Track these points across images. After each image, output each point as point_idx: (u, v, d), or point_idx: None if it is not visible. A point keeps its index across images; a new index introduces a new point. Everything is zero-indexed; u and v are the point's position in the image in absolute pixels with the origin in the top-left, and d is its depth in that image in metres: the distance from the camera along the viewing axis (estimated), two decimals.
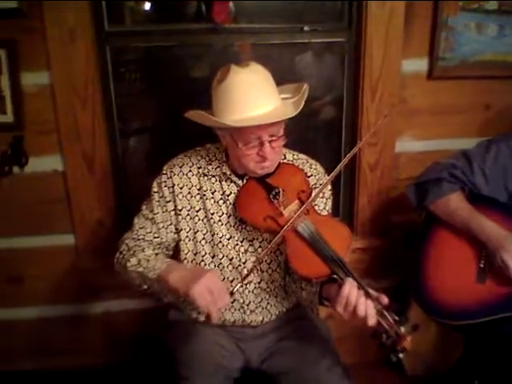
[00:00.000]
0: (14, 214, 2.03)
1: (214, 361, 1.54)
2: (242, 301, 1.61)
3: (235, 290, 1.42)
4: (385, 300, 1.32)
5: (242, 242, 1.58)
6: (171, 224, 1.60)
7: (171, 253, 1.66)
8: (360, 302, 1.29)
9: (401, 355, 1.30)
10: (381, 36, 2.00)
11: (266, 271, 1.60)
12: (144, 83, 2.09)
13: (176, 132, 2.06)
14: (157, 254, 1.55)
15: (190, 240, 1.60)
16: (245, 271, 1.56)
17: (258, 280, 1.60)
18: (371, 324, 1.29)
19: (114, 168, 2.09)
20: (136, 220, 1.63)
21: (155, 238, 1.60)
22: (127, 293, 2.12)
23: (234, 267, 1.59)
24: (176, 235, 1.61)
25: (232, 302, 1.60)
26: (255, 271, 1.58)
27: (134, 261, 1.50)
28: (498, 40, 2.06)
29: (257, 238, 1.57)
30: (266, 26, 2.03)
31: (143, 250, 1.54)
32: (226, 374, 1.54)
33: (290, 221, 1.42)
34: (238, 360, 1.64)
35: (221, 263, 1.59)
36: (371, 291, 1.33)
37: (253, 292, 1.61)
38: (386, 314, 1.30)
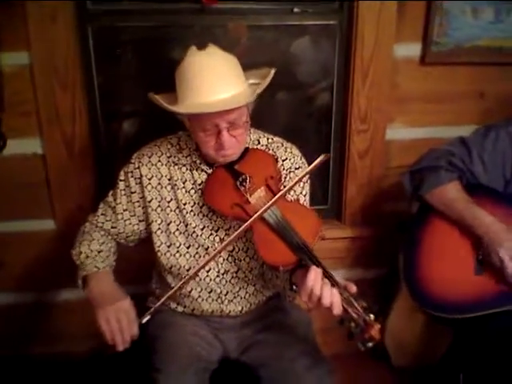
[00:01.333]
0: None
1: (190, 352, 1.52)
2: (219, 291, 1.57)
3: (144, 321, 1.41)
4: (353, 288, 1.28)
5: (216, 231, 1.54)
6: (134, 215, 1.58)
7: (132, 244, 1.66)
8: (325, 292, 1.24)
9: (370, 344, 1.24)
10: (373, 18, 1.94)
11: (244, 259, 1.56)
12: (128, 65, 2.01)
13: (160, 116, 1.98)
14: (99, 252, 1.55)
15: (162, 232, 1.56)
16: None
17: (236, 269, 1.56)
18: (336, 313, 1.25)
19: (95, 152, 2.04)
20: (101, 205, 1.62)
21: (113, 228, 1.59)
22: None
23: (207, 258, 1.52)
24: (136, 227, 1.60)
25: (209, 293, 1.57)
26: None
27: (76, 250, 1.56)
28: (494, 25, 1.99)
29: (233, 227, 1.53)
30: (254, 7, 1.96)
31: (90, 243, 1.56)
32: (202, 366, 1.51)
33: (260, 210, 1.36)
34: (216, 351, 1.61)
35: (197, 253, 1.55)
36: (339, 280, 1.29)
37: (230, 282, 1.57)
38: (353, 301, 1.26)
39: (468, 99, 2.12)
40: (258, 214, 1.36)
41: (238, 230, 1.38)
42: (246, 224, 1.37)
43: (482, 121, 2.02)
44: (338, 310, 1.25)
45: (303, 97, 2.15)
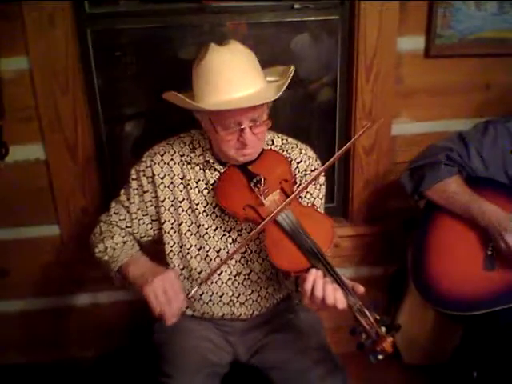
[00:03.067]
0: None
1: (199, 357, 1.51)
2: (230, 294, 1.55)
3: (192, 293, 1.39)
4: (360, 289, 1.26)
5: (229, 232, 1.51)
6: (147, 215, 1.56)
7: (144, 243, 1.61)
8: (327, 291, 1.22)
9: (380, 357, 1.21)
10: (375, 12, 1.91)
11: (257, 261, 1.53)
12: (129, 67, 2.00)
13: (163, 117, 1.98)
14: (125, 243, 1.52)
15: (175, 232, 1.54)
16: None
17: (248, 271, 1.54)
18: (341, 308, 1.23)
19: (98, 155, 2.03)
20: (113, 204, 1.59)
21: (127, 227, 1.57)
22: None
23: (222, 260, 1.51)
24: (149, 226, 1.57)
25: (220, 296, 1.55)
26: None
27: (101, 247, 1.51)
28: (498, 16, 1.96)
29: (245, 228, 1.50)
30: (255, 4, 1.94)
31: (112, 237, 1.53)
32: (212, 370, 1.51)
33: (274, 212, 1.34)
34: (226, 354, 1.60)
35: (207, 255, 1.53)
36: (346, 282, 1.27)
37: (242, 284, 1.55)
38: (366, 311, 1.23)
39: (474, 91, 2.09)
40: (273, 214, 1.34)
41: (252, 233, 1.36)
42: (261, 225, 1.34)
43: (488, 113, 2.00)
44: (341, 304, 1.22)
45: (307, 94, 2.12)
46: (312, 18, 2.00)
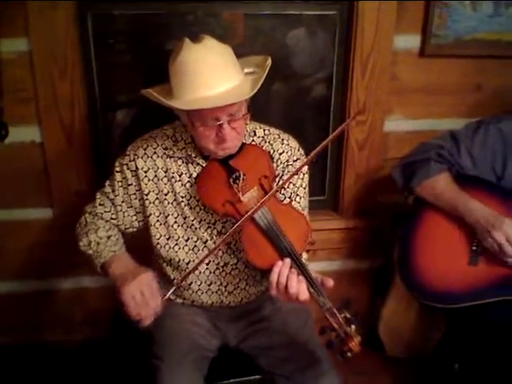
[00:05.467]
0: None
1: (189, 341, 1.53)
2: (219, 283, 1.57)
3: (167, 295, 1.40)
4: (330, 283, 1.30)
5: (214, 224, 1.53)
6: (131, 207, 1.57)
7: (129, 234, 1.63)
8: (291, 281, 1.27)
9: (348, 355, 1.25)
10: (373, 9, 1.94)
11: (243, 250, 1.54)
12: (128, 53, 1.99)
13: (157, 105, 1.99)
14: (109, 237, 1.54)
15: (161, 224, 1.55)
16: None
17: (235, 261, 1.56)
18: (303, 299, 1.27)
19: (94, 140, 2.03)
20: (98, 195, 1.59)
21: (112, 219, 1.58)
22: None
23: (209, 250, 1.53)
24: (134, 218, 1.58)
25: (209, 285, 1.57)
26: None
27: (85, 241, 1.52)
28: (493, 18, 2.00)
29: (230, 220, 1.51)
30: None
31: (97, 231, 1.53)
32: (202, 354, 1.54)
33: (250, 211, 1.36)
34: (215, 339, 1.63)
35: (195, 246, 1.54)
36: (317, 280, 1.31)
37: (230, 273, 1.57)
38: (335, 312, 1.27)
39: (465, 92, 2.13)
40: (248, 214, 1.36)
41: (227, 234, 1.38)
42: (236, 225, 1.36)
43: (479, 113, 2.03)
44: (303, 296, 1.27)
45: (302, 88, 2.14)
46: (310, 12, 2.01)
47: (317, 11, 2.01)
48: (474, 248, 1.72)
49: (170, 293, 1.40)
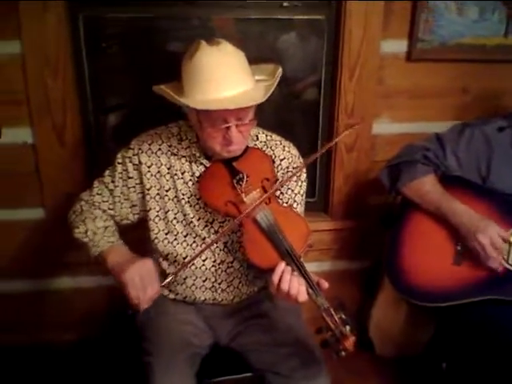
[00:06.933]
0: None
1: (181, 338, 1.55)
2: (213, 279, 1.59)
3: (165, 283, 1.43)
4: (325, 285, 1.34)
5: (211, 223, 1.55)
6: (127, 199, 1.58)
7: (123, 226, 1.64)
8: (293, 283, 1.30)
9: (343, 354, 1.29)
10: (361, 15, 1.98)
11: (239, 250, 1.57)
12: (120, 56, 2.02)
13: (152, 108, 1.98)
14: (106, 228, 1.55)
15: (160, 219, 1.57)
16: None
17: (231, 259, 1.58)
18: (301, 300, 1.31)
19: (85, 141, 2.04)
20: (96, 184, 1.61)
21: (110, 209, 1.59)
22: (97, 267, 2.07)
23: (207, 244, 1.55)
24: (129, 211, 1.60)
25: (203, 281, 1.59)
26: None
27: (82, 229, 1.53)
28: (479, 23, 2.04)
29: (228, 219, 1.54)
30: (244, 1, 1.98)
31: (94, 220, 1.55)
32: (193, 351, 1.55)
33: (249, 208, 1.40)
34: (207, 337, 1.64)
35: (194, 242, 1.57)
36: (315, 281, 1.35)
37: (225, 271, 1.59)
38: (332, 312, 1.30)
39: (452, 95, 2.17)
40: (248, 210, 1.39)
41: (225, 228, 1.43)
42: (235, 221, 1.40)
43: (465, 116, 2.07)
44: (302, 297, 1.31)
45: (291, 91, 2.17)
46: (299, 17, 2.05)
47: (306, 16, 2.05)
48: (459, 248, 1.75)
49: (167, 281, 1.43)
